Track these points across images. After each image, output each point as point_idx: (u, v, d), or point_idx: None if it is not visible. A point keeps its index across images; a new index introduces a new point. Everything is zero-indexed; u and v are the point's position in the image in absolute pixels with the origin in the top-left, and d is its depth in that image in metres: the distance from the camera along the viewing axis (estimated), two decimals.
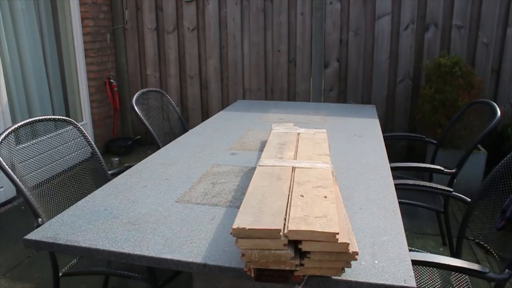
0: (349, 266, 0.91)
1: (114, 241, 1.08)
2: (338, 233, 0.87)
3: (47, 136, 1.78)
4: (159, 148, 2.13)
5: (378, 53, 3.82)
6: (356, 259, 0.90)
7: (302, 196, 1.06)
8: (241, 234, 0.90)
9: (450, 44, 3.65)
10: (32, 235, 1.12)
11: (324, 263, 0.90)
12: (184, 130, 2.59)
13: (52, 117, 1.73)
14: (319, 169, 1.26)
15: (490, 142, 3.36)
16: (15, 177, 1.40)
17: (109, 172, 1.84)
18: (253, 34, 4.09)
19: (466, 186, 2.61)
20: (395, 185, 1.47)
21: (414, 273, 0.95)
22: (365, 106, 3.06)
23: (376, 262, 0.99)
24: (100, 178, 1.79)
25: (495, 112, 2.00)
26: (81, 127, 1.81)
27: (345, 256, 0.90)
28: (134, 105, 2.33)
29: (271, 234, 0.89)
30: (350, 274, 0.94)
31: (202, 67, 4.30)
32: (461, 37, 3.61)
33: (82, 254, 1.09)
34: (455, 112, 3.04)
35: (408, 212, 2.96)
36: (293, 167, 1.28)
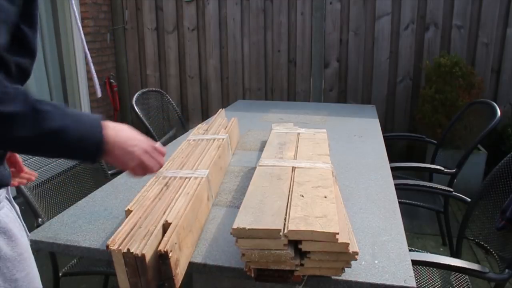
0: (349, 266, 0.91)
1: None
2: (338, 233, 0.87)
3: None
4: None
5: (378, 53, 3.82)
6: (356, 259, 0.90)
7: (302, 196, 1.06)
8: (241, 234, 0.90)
9: (450, 44, 3.65)
10: (32, 235, 1.12)
11: (324, 263, 0.90)
12: (184, 130, 2.59)
13: None
14: (319, 169, 1.26)
15: (490, 142, 3.36)
16: None
17: (109, 172, 1.84)
18: (253, 34, 4.09)
19: (466, 186, 2.60)
20: (395, 185, 1.47)
21: (414, 273, 0.95)
22: (365, 106, 3.06)
23: (376, 262, 0.99)
24: (100, 178, 1.79)
25: (495, 112, 2.00)
26: None
27: (345, 256, 0.90)
28: (134, 105, 2.33)
29: (271, 234, 0.89)
30: (350, 274, 0.94)
31: (202, 67, 4.30)
32: (461, 37, 3.61)
33: (82, 254, 1.09)
34: (455, 112, 3.04)
35: (408, 212, 2.95)
36: (293, 167, 1.28)
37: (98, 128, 0.75)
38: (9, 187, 0.88)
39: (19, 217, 0.92)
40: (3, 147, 0.74)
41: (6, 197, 0.87)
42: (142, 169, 0.83)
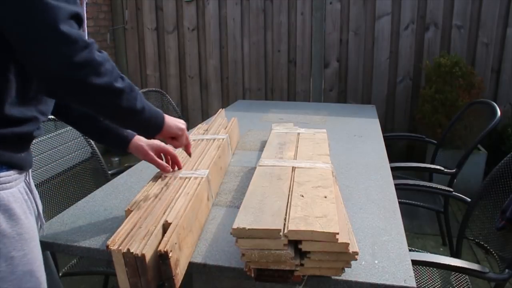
0: (349, 266, 0.91)
1: None
2: (338, 233, 0.87)
3: (47, 136, 1.78)
4: None
5: (378, 53, 3.82)
6: (356, 259, 0.90)
7: (302, 196, 1.06)
8: (241, 234, 0.90)
9: (450, 44, 3.65)
10: None
11: (324, 263, 0.90)
12: None
13: (52, 117, 1.72)
14: (319, 169, 1.26)
15: (490, 142, 3.36)
16: None
17: (109, 172, 1.83)
18: (253, 34, 4.09)
19: (466, 186, 2.60)
20: (395, 185, 1.47)
21: (414, 273, 0.95)
22: (365, 106, 3.07)
23: (376, 262, 0.99)
24: (100, 178, 1.79)
25: (495, 112, 2.00)
26: None
27: (345, 256, 0.90)
28: None
29: (271, 234, 0.89)
30: (350, 274, 0.94)
31: (202, 67, 4.30)
32: (461, 37, 3.61)
33: (82, 254, 1.09)
34: (455, 112, 3.04)
35: (408, 212, 2.95)
36: (293, 167, 1.28)
37: (160, 112, 1.04)
38: (30, 172, 0.93)
39: (36, 204, 0.96)
40: (105, 113, 0.93)
41: (24, 181, 0.91)
42: (179, 141, 1.18)
